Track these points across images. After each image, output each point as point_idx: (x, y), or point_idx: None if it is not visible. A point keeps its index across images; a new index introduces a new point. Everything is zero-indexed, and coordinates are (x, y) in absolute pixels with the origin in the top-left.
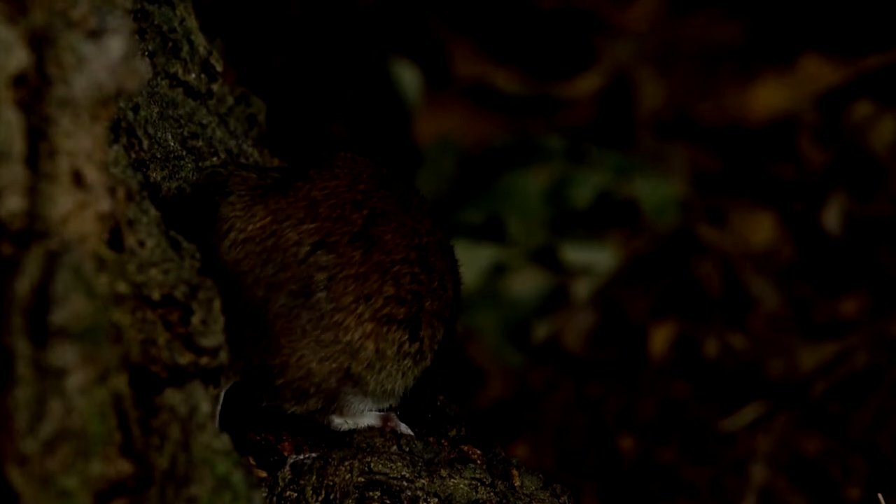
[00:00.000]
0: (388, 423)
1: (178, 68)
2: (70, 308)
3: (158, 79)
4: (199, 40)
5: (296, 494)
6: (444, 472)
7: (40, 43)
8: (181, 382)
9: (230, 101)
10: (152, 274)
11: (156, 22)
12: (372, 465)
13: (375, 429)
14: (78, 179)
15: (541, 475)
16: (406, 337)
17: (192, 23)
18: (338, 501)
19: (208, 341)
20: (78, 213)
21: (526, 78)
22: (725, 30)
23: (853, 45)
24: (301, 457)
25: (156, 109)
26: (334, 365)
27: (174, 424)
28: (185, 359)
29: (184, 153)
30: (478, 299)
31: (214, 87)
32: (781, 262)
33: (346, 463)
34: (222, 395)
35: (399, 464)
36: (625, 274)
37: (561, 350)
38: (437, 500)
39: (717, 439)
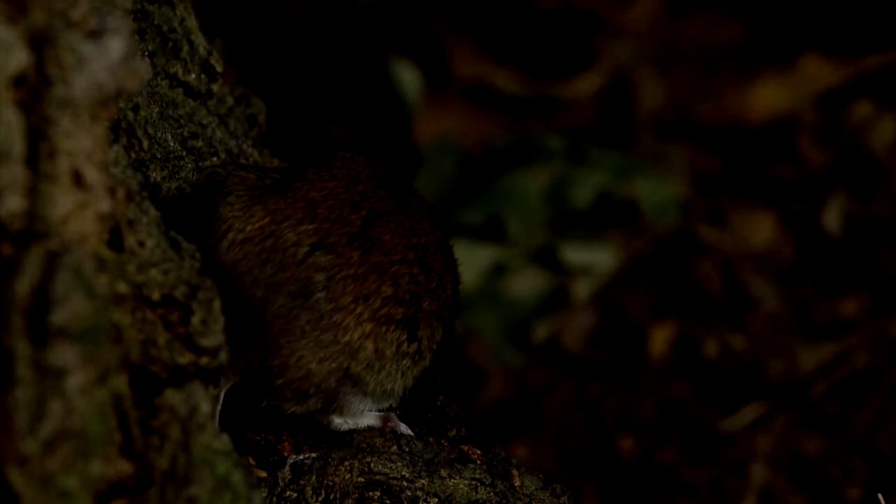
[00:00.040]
0: (388, 424)
1: (178, 68)
2: (70, 308)
3: (158, 79)
4: (199, 40)
5: (296, 494)
6: (444, 473)
7: (40, 43)
8: (181, 383)
9: (230, 101)
10: (152, 274)
11: (156, 22)
12: (372, 465)
13: (375, 429)
14: (78, 180)
15: (541, 475)
16: (405, 337)
17: (192, 23)
18: (338, 501)
19: (208, 341)
20: (78, 213)
21: (526, 78)
22: (725, 30)
23: (853, 45)
24: (301, 457)
25: (156, 110)
26: (333, 365)
27: (174, 425)
28: (185, 359)
29: (184, 153)
30: (478, 299)
31: (214, 87)
32: (781, 262)
33: (346, 463)
34: (222, 395)
35: (399, 464)
36: (625, 274)
37: (561, 350)
38: (436, 500)
39: (717, 439)
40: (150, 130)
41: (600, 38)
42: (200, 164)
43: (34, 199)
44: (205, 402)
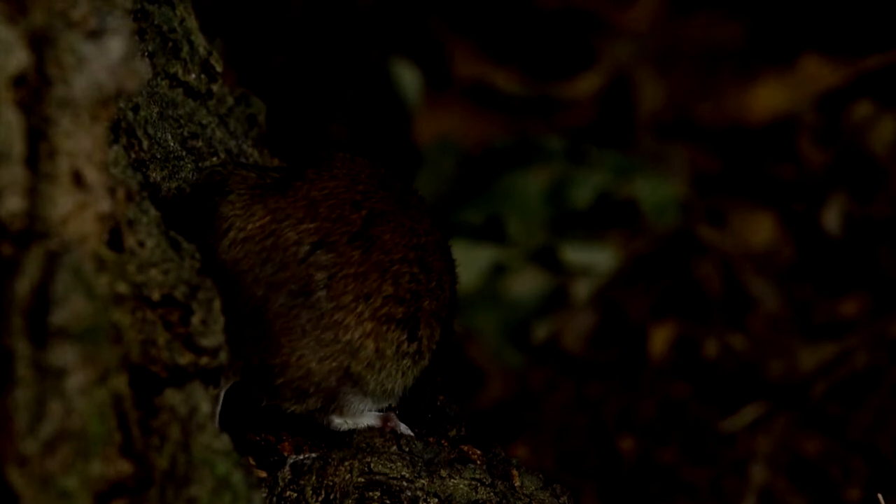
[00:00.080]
0: (388, 424)
1: (178, 69)
2: (70, 308)
3: (158, 79)
4: (199, 40)
5: (295, 495)
6: (443, 473)
7: (40, 43)
8: (181, 383)
9: (230, 101)
10: (152, 274)
11: (156, 22)
12: (372, 465)
13: (375, 429)
14: (78, 180)
15: (541, 475)
16: (405, 336)
17: (192, 23)
18: (337, 502)
19: (208, 341)
20: (78, 213)
21: (526, 78)
22: (725, 30)
23: (853, 45)
24: (301, 457)
25: (156, 110)
26: (334, 364)
27: (174, 425)
28: (184, 359)
29: (184, 153)
30: (478, 300)
31: (214, 87)
32: (781, 262)
33: (346, 463)
34: (222, 395)
35: (399, 464)
36: (625, 274)
37: (561, 350)
38: (436, 500)
39: (717, 440)
40: (150, 130)
41: (600, 38)
42: (200, 164)
43: (34, 200)
44: (205, 402)
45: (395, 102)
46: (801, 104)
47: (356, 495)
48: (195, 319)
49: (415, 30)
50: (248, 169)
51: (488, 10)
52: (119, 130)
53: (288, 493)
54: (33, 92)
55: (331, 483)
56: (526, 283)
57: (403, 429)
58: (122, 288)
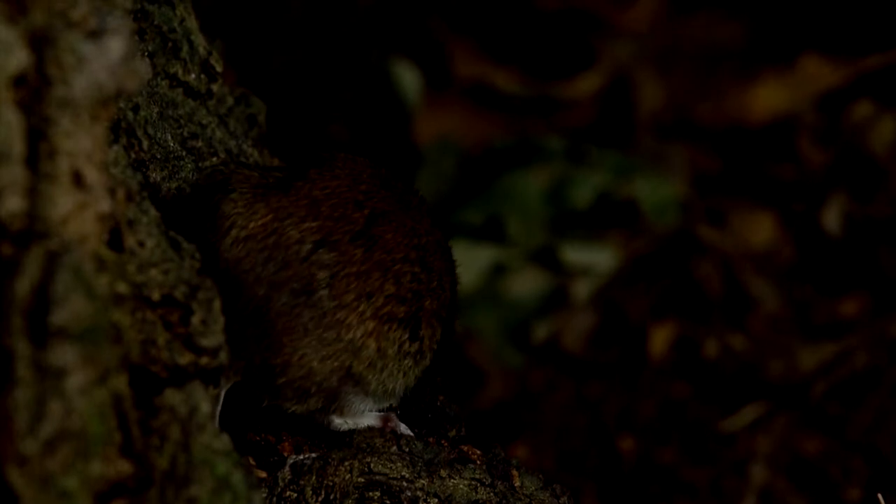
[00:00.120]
0: (388, 424)
1: (177, 69)
2: (70, 309)
3: (158, 79)
4: (199, 41)
5: (295, 495)
6: (443, 473)
7: (40, 43)
8: (181, 383)
9: (230, 101)
10: (152, 274)
11: (156, 22)
12: (372, 465)
13: (375, 429)
14: (78, 180)
15: (541, 476)
16: (406, 336)
17: (192, 23)
18: (338, 502)
19: (208, 341)
20: (78, 213)
21: (526, 78)
22: (725, 30)
23: (853, 45)
24: (301, 457)
25: (156, 110)
26: (336, 363)
27: (174, 425)
28: (184, 359)
29: (184, 153)
30: (478, 300)
31: (214, 87)
32: (781, 262)
33: (346, 463)
34: (222, 395)
35: (399, 464)
36: (625, 274)
37: (561, 350)
38: (436, 500)
39: (717, 440)
40: (150, 130)
41: (600, 38)
42: (200, 164)
43: (34, 200)
44: (205, 402)
45: (395, 102)
46: (801, 104)
47: (356, 495)
48: (195, 319)
49: (415, 30)
50: (250, 168)
51: (488, 10)
52: (119, 130)
53: (288, 493)
54: (33, 92)
55: (331, 483)
56: (526, 283)
57: (403, 429)
58: (122, 288)
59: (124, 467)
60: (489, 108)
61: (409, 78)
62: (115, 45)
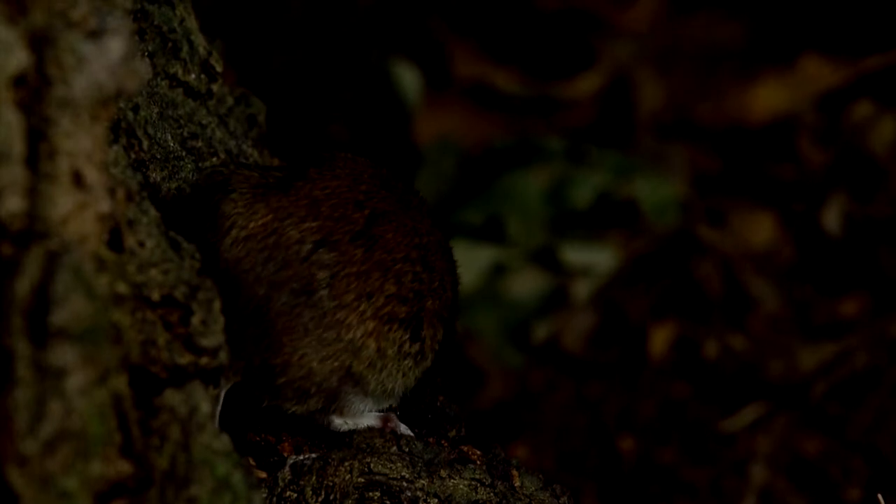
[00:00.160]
0: (388, 424)
1: (177, 69)
2: (70, 309)
3: (158, 79)
4: (199, 41)
5: (295, 495)
6: (443, 473)
7: (40, 43)
8: (181, 383)
9: (230, 101)
10: (152, 274)
11: (156, 22)
12: (372, 465)
13: (375, 429)
14: (78, 180)
15: (541, 476)
16: (407, 336)
17: (191, 23)
18: (337, 502)
19: (208, 341)
20: (78, 213)
21: (526, 78)
22: (725, 30)
23: (853, 45)
24: (301, 457)
25: (155, 110)
26: (336, 364)
27: (174, 425)
28: (184, 359)
29: (183, 153)
30: (478, 300)
31: (214, 87)
32: (781, 262)
33: (346, 463)
34: (222, 395)
35: (399, 464)
36: (625, 274)
37: (561, 351)
38: (436, 500)
39: (717, 440)
40: (150, 131)
41: (600, 38)
42: (200, 164)
43: (34, 200)
44: (205, 402)
45: (395, 102)
46: (801, 104)
47: (356, 496)
48: (195, 320)
49: (415, 30)
50: (249, 168)
51: (488, 10)
52: (119, 130)
53: (288, 493)
54: (33, 92)
55: (331, 483)
56: (526, 283)
57: (403, 429)
58: (122, 288)
59: (124, 467)
60: (489, 108)
61: (409, 78)
62: (115, 46)
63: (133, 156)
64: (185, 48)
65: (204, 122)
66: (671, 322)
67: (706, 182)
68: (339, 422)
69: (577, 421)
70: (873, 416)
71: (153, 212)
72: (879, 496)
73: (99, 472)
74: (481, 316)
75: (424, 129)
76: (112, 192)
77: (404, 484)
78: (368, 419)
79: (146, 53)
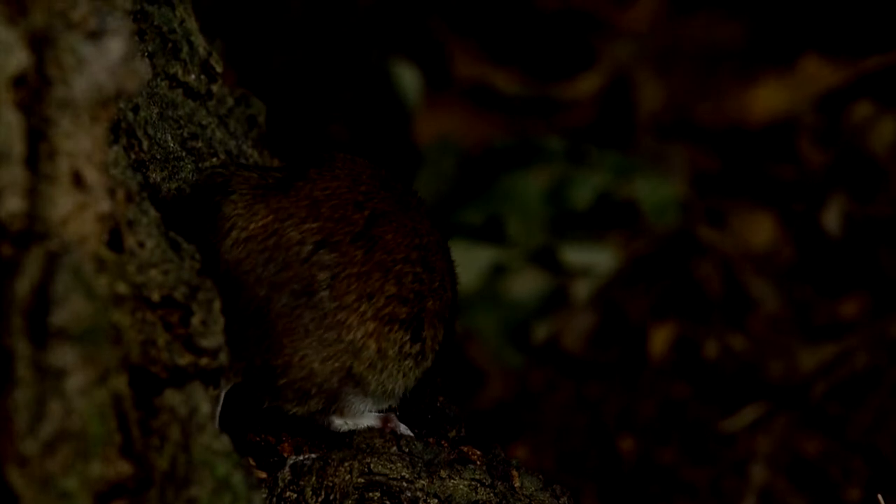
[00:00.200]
0: (388, 424)
1: (177, 69)
2: (70, 309)
3: (158, 80)
4: (199, 41)
5: (295, 495)
6: (443, 473)
7: (40, 44)
8: (181, 383)
9: (230, 102)
10: (152, 275)
11: (155, 23)
12: (372, 465)
13: (375, 430)
14: (78, 180)
15: (541, 476)
16: (408, 337)
17: (191, 24)
18: (337, 502)
19: (208, 342)
20: (78, 214)
21: (526, 79)
22: (725, 30)
23: (853, 46)
24: (301, 458)
25: (155, 110)
26: (336, 364)
27: (174, 425)
28: (184, 360)
29: (183, 154)
30: (477, 300)
31: (214, 88)
32: (781, 263)
33: (346, 464)
34: (222, 396)
35: (399, 465)
36: (625, 275)
37: (561, 351)
38: (436, 500)
39: (717, 440)
40: (150, 131)
41: (600, 38)
42: (200, 164)
43: (34, 200)
44: (205, 402)
45: (395, 102)
46: (801, 104)
47: (356, 496)
48: (195, 320)
49: (415, 30)
50: (249, 169)
51: (488, 10)
52: (119, 131)
53: (288, 493)
54: (33, 92)
55: (331, 484)
56: (526, 284)
57: (403, 429)
58: (122, 288)
59: (124, 468)
60: (489, 108)
61: (409, 78)
62: (115, 46)
63: (133, 156)
64: (185, 49)
65: (204, 122)
66: (671, 322)
67: (706, 182)
68: (339, 422)
69: (577, 421)
70: (873, 417)
71: (153, 212)
72: (879, 496)
73: (99, 472)
74: (481, 316)
75: (424, 129)
76: (112, 193)
77: (404, 484)
78: (368, 419)
79: (146, 54)
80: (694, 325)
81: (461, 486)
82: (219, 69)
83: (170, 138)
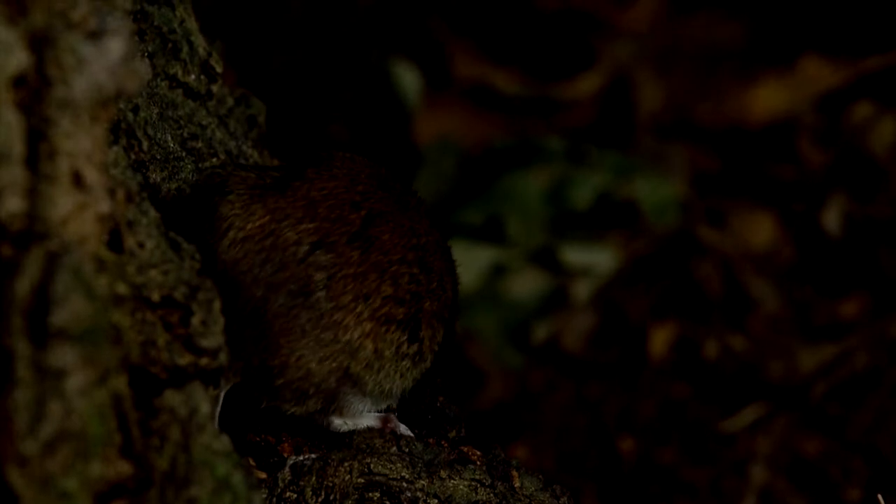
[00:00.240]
0: (388, 424)
1: (177, 69)
2: (70, 309)
3: (158, 80)
4: (199, 41)
5: (295, 495)
6: (443, 474)
7: (40, 44)
8: (181, 383)
9: (230, 102)
10: (152, 275)
11: (155, 23)
12: (372, 466)
13: (375, 430)
14: (78, 181)
15: (541, 476)
16: (405, 338)
17: (191, 24)
18: (337, 502)
19: (208, 342)
20: (78, 214)
21: (526, 79)
22: (725, 30)
23: (853, 46)
24: (301, 458)
25: (155, 110)
26: (334, 364)
27: (174, 426)
28: (184, 360)
29: (183, 154)
30: (477, 300)
31: (214, 88)
32: (781, 263)
33: (346, 464)
34: (222, 396)
35: (399, 465)
36: (625, 275)
37: (561, 351)
38: (436, 501)
39: (717, 440)
40: (150, 131)
41: (600, 38)
42: (200, 164)
43: (34, 200)
44: (205, 403)
45: (395, 102)
46: (800, 105)
47: (356, 496)
48: (195, 320)
49: (415, 30)
50: (247, 169)
51: (488, 10)
52: (119, 131)
53: (288, 493)
54: (33, 93)
55: (330, 484)
56: (526, 284)
57: (403, 430)
58: (122, 289)
59: (124, 468)
60: (489, 108)
61: (409, 78)
62: (115, 46)
63: (133, 156)
64: (185, 49)
65: (204, 122)
66: (671, 322)
67: (706, 182)
68: (338, 422)
69: (577, 421)
70: (873, 417)
71: (153, 213)
72: (879, 496)
73: (99, 472)
74: (481, 316)
75: (424, 129)
76: (112, 193)
77: (404, 484)
78: (368, 420)
79: (146, 54)
80: (694, 325)
81: (461, 487)
82: (219, 69)
83: (170, 138)
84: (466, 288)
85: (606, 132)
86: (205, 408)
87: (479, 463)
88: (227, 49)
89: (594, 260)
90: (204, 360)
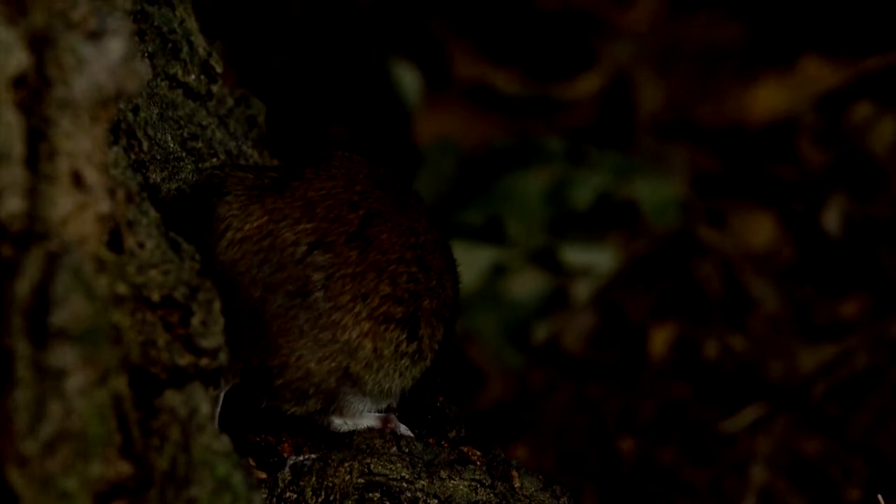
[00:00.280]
0: (388, 425)
1: (177, 70)
2: (70, 309)
3: (158, 80)
4: (199, 41)
5: (295, 496)
6: (443, 474)
7: (40, 44)
8: (181, 384)
9: (230, 102)
10: (152, 275)
11: (155, 23)
12: (372, 466)
13: (375, 430)
14: (78, 181)
15: (541, 476)
16: (404, 336)
17: (191, 24)
18: (337, 503)
19: (208, 342)
20: (78, 214)
21: (526, 79)
22: (725, 30)
23: (853, 46)
24: (301, 458)
25: (155, 111)
26: (333, 364)
27: (174, 426)
28: (184, 360)
29: (183, 154)
30: (477, 301)
31: (214, 88)
32: (781, 263)
33: (346, 464)
34: (222, 396)
35: (399, 465)
36: (625, 275)
37: (561, 351)
38: (436, 501)
39: (717, 440)
40: (150, 132)
41: (600, 38)
42: (200, 165)
43: (34, 201)
44: (205, 403)
45: (395, 102)
46: (800, 105)
47: (356, 496)
48: (195, 320)
49: (415, 30)
50: (245, 170)
51: (488, 10)
52: (119, 131)
53: (288, 494)
54: (33, 93)
55: (330, 484)
56: (526, 284)
57: (403, 430)
58: (122, 289)
59: (124, 468)
60: (489, 108)
61: (409, 78)
62: (115, 46)
63: (133, 157)
64: (185, 49)
65: (204, 123)
66: (671, 322)
67: (706, 182)
68: (338, 422)
69: (577, 421)
70: (873, 417)
71: (153, 213)
72: (879, 496)
73: (99, 472)
74: (481, 316)
75: (424, 129)
76: (112, 193)
77: (404, 485)
78: (368, 420)
79: (146, 54)
80: (694, 325)
81: (461, 487)
82: (219, 69)
83: (170, 139)
84: (466, 288)
85: (606, 132)
86: (205, 408)
87: (479, 463)
88: (227, 49)
89: (594, 260)
90: (204, 361)
